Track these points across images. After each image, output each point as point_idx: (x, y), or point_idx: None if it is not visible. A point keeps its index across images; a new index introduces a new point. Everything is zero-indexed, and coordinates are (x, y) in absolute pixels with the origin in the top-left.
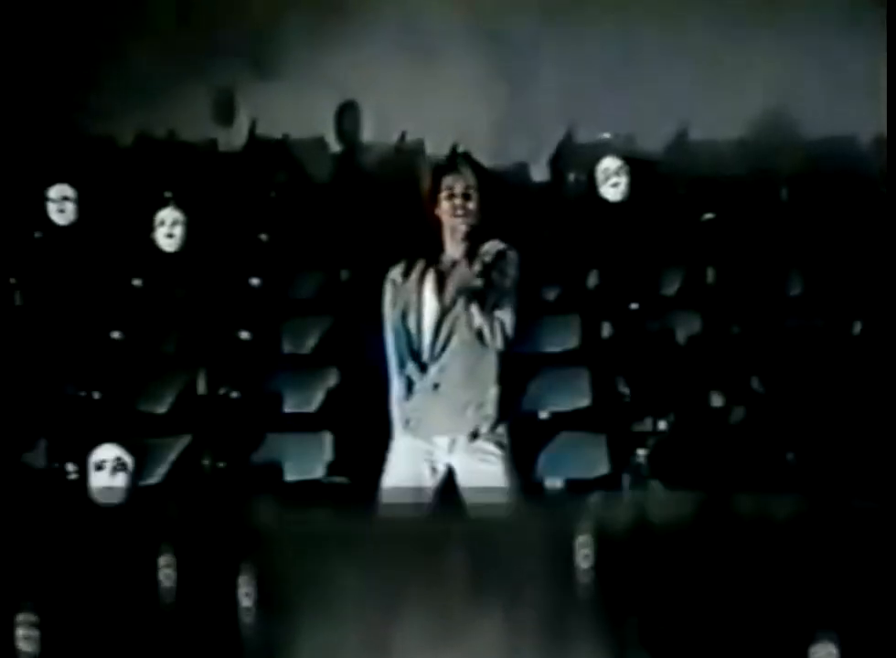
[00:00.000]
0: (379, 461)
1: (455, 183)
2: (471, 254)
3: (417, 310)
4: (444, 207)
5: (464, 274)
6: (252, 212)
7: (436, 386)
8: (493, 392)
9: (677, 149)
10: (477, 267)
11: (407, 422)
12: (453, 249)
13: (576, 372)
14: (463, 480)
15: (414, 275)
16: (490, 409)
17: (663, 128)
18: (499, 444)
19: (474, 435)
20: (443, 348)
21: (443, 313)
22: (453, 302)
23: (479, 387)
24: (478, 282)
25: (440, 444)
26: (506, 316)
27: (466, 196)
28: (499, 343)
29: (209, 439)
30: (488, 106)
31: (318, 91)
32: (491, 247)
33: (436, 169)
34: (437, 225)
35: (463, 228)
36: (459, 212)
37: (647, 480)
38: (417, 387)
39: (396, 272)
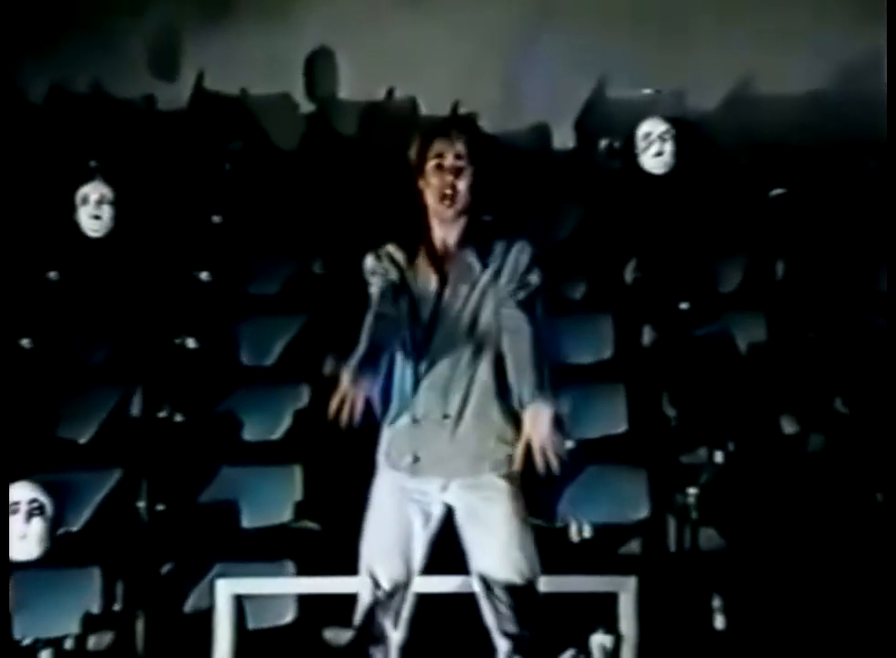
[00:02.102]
0: (361, 501)
1: (446, 150)
2: (467, 239)
3: (414, 308)
4: (430, 182)
5: (465, 272)
6: (201, 188)
7: (446, 416)
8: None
9: (735, 108)
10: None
11: (415, 459)
12: (441, 232)
13: (609, 389)
14: (464, 524)
15: (400, 260)
16: (510, 440)
17: (718, 82)
18: (508, 477)
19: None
20: (439, 356)
21: (451, 316)
22: (461, 305)
23: (498, 415)
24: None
25: (433, 481)
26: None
27: (457, 171)
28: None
29: (146, 474)
30: (497, 54)
31: (283, 35)
32: (498, 250)
33: (426, 132)
34: (422, 201)
35: (448, 214)
36: (446, 193)
37: (698, 526)
38: (422, 413)
39: (379, 261)
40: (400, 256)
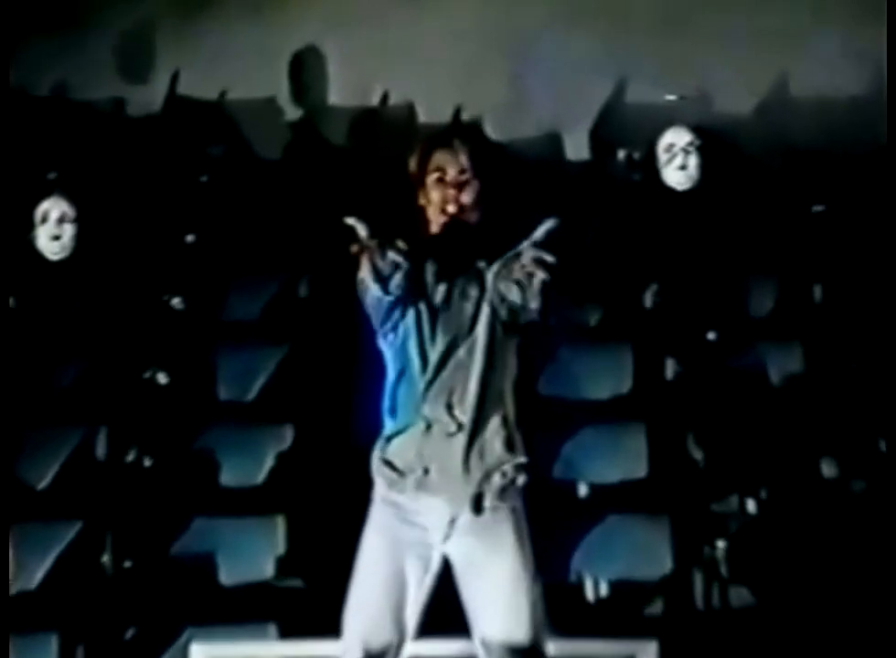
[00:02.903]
0: (351, 556)
1: (448, 163)
2: (469, 256)
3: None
4: (431, 197)
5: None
6: (174, 202)
7: (460, 425)
8: (513, 436)
9: (769, 115)
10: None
11: (426, 471)
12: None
13: (628, 428)
14: (463, 578)
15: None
16: (506, 458)
17: (750, 85)
18: (517, 525)
19: (478, 503)
20: (449, 360)
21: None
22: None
23: (497, 424)
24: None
25: (434, 523)
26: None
27: (461, 185)
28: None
29: (111, 525)
30: (503, 55)
31: (267, 34)
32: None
33: (426, 141)
34: (423, 216)
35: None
36: (450, 208)
37: (728, 583)
38: (433, 421)
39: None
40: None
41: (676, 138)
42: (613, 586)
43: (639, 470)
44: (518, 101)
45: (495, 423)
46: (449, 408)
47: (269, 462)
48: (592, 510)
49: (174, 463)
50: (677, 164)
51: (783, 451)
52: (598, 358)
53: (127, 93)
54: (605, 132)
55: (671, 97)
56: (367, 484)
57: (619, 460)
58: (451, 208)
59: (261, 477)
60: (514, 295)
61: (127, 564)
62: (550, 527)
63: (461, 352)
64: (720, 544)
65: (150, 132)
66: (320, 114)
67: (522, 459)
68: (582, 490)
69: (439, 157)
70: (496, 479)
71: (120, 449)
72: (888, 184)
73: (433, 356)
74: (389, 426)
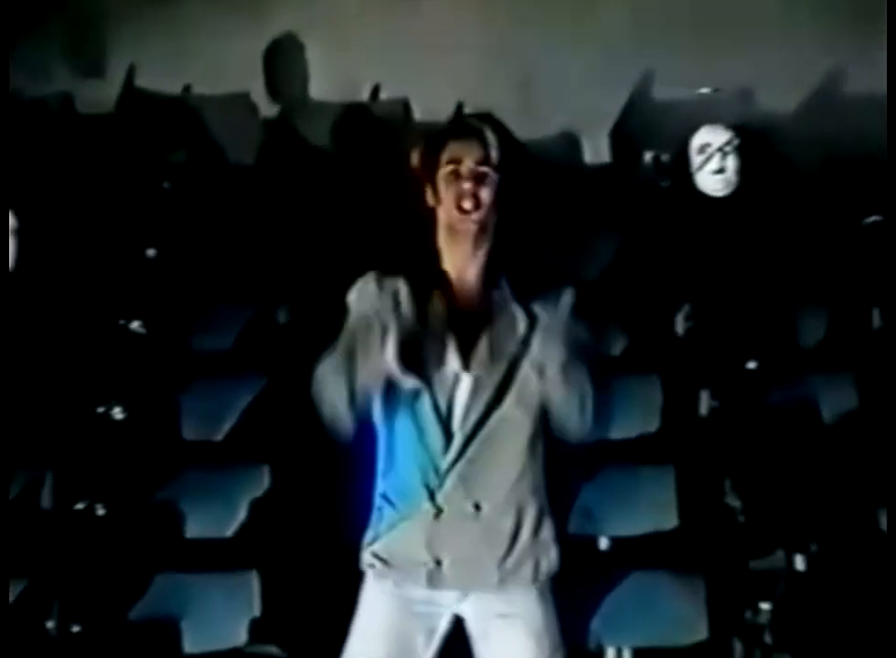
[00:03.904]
0: (334, 618)
1: (465, 153)
2: (490, 274)
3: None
4: (443, 195)
5: (506, 325)
6: (132, 212)
7: (478, 507)
8: (543, 519)
9: (818, 112)
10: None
11: (437, 564)
12: (460, 261)
13: (656, 472)
14: (478, 644)
15: (404, 302)
16: (550, 541)
17: (795, 78)
18: (541, 591)
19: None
20: (478, 434)
21: (475, 379)
22: (490, 359)
23: (528, 506)
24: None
25: (447, 603)
26: (586, 387)
27: (479, 178)
28: (586, 427)
29: (58, 584)
30: (510, 43)
31: (239, 19)
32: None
33: (436, 133)
34: (430, 220)
35: (471, 228)
36: (466, 203)
37: (772, 652)
38: (446, 504)
39: (368, 293)
40: (406, 300)
41: (711, 137)
42: (639, 654)
43: (668, 520)
44: (529, 96)
45: (521, 505)
46: (465, 488)
47: (241, 511)
48: (614, 567)
49: (131, 512)
50: (713, 168)
51: (835, 500)
52: (621, 391)
53: (77, 88)
54: (629, 130)
55: (705, 90)
56: (351, 534)
57: (645, 509)
58: (467, 204)
59: (232, 528)
60: (563, 405)
61: (76, 629)
62: (566, 586)
63: (492, 422)
64: (764, 607)
65: (104, 132)
66: (300, 111)
67: (553, 550)
68: (603, 543)
69: (454, 147)
70: (524, 572)
71: (69, 496)
72: (888, 183)
73: (460, 430)
74: (386, 515)
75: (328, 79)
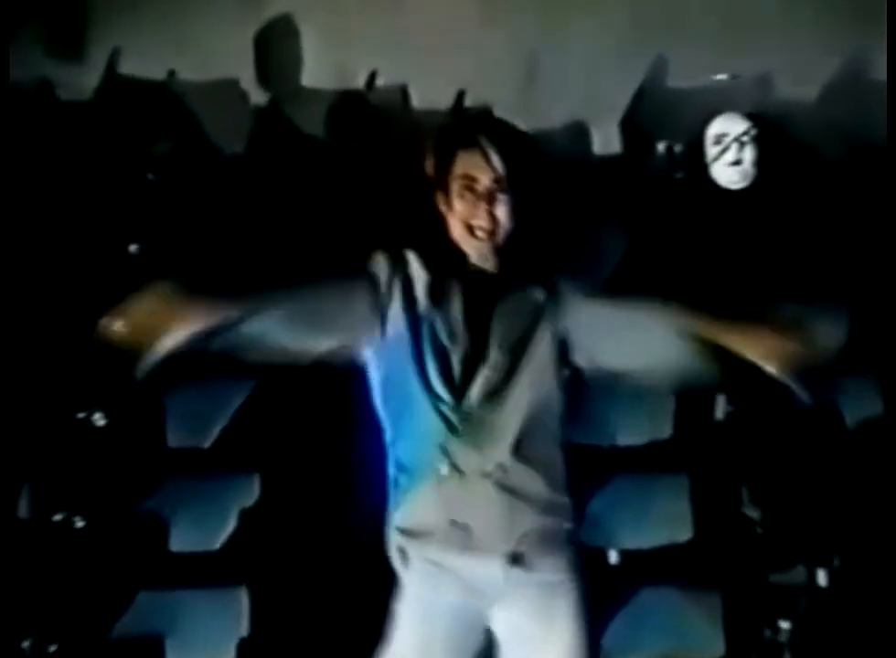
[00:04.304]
0: (332, 638)
1: (478, 170)
2: (508, 267)
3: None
4: (456, 207)
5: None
6: (114, 205)
7: (501, 467)
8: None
9: (842, 99)
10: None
11: (463, 528)
12: (476, 257)
13: (668, 481)
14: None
15: (419, 276)
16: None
17: (819, 63)
18: (577, 604)
19: (518, 559)
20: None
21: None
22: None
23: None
24: None
25: (483, 582)
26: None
27: (492, 196)
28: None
29: (34, 600)
30: (513, 25)
31: (228, 1)
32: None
33: (444, 136)
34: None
35: (485, 252)
36: (479, 225)
37: None
38: (462, 460)
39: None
40: (421, 273)
41: (728, 127)
42: None
43: (682, 532)
44: (534, 83)
45: (539, 461)
46: (481, 445)
47: (230, 522)
48: (625, 582)
49: (112, 524)
50: (730, 159)
51: (859, 511)
52: (632, 397)
53: (56, 73)
54: (641, 120)
55: (721, 77)
56: (351, 547)
57: (657, 520)
58: (481, 223)
59: (220, 540)
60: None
61: (53, 648)
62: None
63: (497, 377)
64: (783, 625)
65: (83, 120)
66: (292, 98)
67: (567, 501)
68: (613, 557)
69: (466, 161)
70: (546, 525)
71: (46, 507)
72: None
73: (473, 387)
74: (402, 483)
75: (322, 65)
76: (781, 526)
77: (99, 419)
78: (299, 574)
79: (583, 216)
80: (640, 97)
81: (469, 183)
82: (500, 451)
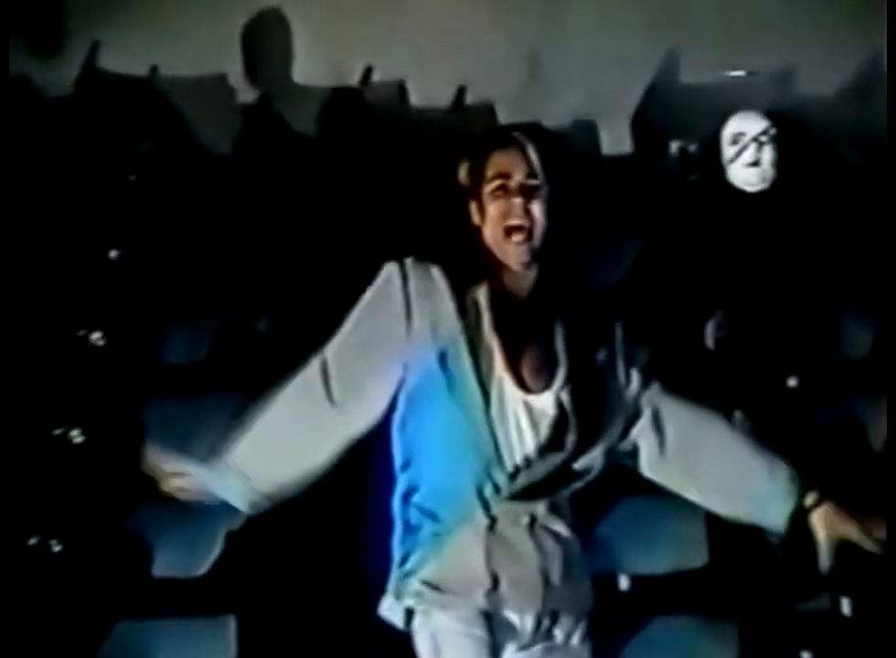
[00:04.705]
0: None
1: (512, 165)
2: (542, 288)
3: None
4: (490, 211)
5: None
6: (93, 208)
7: (533, 518)
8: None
9: (865, 97)
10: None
11: (495, 583)
12: (509, 278)
13: (682, 502)
14: None
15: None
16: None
17: (843, 57)
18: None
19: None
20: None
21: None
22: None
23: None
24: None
25: (514, 633)
26: None
27: (526, 191)
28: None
29: (8, 629)
30: (519, 20)
31: None
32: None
33: (478, 143)
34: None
35: (524, 256)
36: (515, 225)
37: None
38: (497, 511)
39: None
40: (447, 299)
41: (745, 126)
42: None
43: (697, 557)
44: (540, 79)
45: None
46: (524, 496)
47: (216, 546)
48: (636, 610)
49: (91, 549)
50: (747, 160)
51: (887, 536)
52: None
53: (33, 69)
54: (653, 118)
55: (738, 73)
56: (345, 572)
57: (672, 545)
58: (516, 222)
59: (205, 566)
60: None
61: None
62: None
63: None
64: (805, 656)
65: (61, 117)
66: (283, 95)
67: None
68: (623, 583)
69: (499, 159)
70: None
71: (21, 530)
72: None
73: (526, 441)
74: (427, 531)
75: (315, 60)
76: (803, 551)
77: (76, 436)
78: (289, 601)
79: (590, 221)
80: (652, 94)
81: (503, 181)
82: (541, 503)
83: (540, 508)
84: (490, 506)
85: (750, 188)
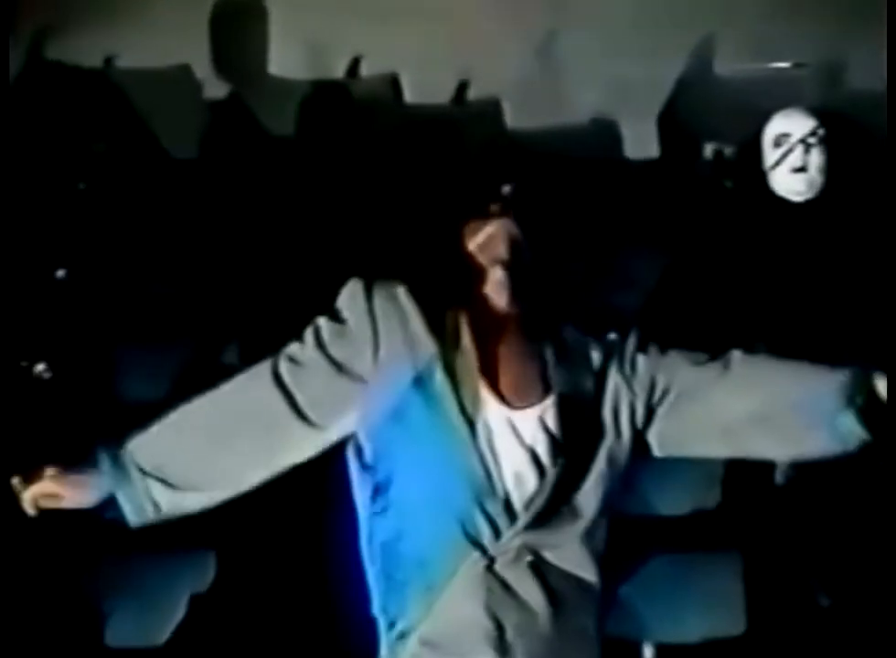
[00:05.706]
0: None
1: (495, 241)
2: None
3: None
4: (479, 259)
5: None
6: (39, 222)
7: (537, 556)
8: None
9: None
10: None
11: (499, 630)
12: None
13: (716, 560)
14: None
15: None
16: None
17: None
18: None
19: None
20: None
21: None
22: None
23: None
24: None
25: None
26: None
27: (514, 259)
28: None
29: None
30: (527, 7)
31: None
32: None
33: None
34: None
35: (512, 310)
36: (501, 286)
37: None
38: (494, 551)
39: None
40: (416, 320)
41: (789, 126)
42: None
43: (733, 623)
44: (550, 74)
45: (584, 540)
46: (527, 538)
47: (179, 611)
48: None
49: (46, 615)
50: (793, 165)
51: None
52: (673, 459)
53: None
54: (683, 118)
55: (781, 65)
56: (320, 636)
57: (702, 607)
58: (501, 283)
59: (169, 628)
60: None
61: None
62: None
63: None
64: None
65: (5, 113)
66: (257, 90)
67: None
68: (648, 653)
69: (481, 229)
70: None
71: None
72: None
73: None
74: (415, 585)
75: (294, 50)
76: (855, 614)
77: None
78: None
79: (612, 233)
80: (682, 88)
81: (487, 242)
82: (543, 537)
83: (544, 544)
84: (486, 544)
85: (795, 197)
